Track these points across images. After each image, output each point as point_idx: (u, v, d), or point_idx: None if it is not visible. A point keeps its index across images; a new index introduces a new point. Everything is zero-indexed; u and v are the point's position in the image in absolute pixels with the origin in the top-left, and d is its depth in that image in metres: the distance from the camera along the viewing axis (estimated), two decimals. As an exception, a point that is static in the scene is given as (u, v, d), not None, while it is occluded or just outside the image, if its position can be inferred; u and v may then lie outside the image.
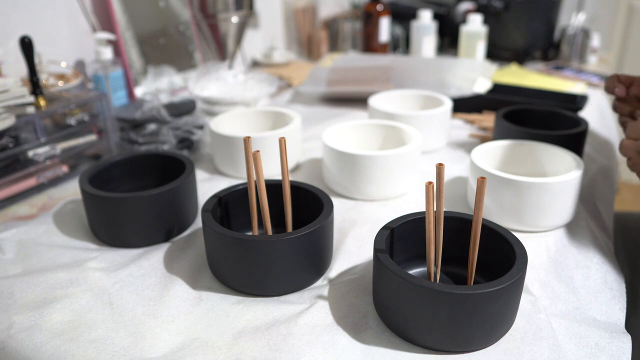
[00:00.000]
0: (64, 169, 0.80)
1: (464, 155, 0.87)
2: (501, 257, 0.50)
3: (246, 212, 0.60)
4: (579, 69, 1.44)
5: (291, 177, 0.77)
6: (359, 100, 1.14)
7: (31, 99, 0.73)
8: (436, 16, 1.55)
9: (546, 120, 0.84)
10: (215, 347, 0.46)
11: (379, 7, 1.44)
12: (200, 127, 0.89)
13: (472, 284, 0.50)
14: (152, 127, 0.84)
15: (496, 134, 0.82)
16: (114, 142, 0.85)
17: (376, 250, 0.48)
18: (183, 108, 0.88)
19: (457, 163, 0.84)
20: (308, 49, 1.66)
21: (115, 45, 1.04)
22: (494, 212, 0.64)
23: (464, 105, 1.05)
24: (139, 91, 1.08)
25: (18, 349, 0.47)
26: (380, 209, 0.70)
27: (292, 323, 0.49)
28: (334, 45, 1.67)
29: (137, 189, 0.69)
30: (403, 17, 1.58)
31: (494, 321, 0.45)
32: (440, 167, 0.45)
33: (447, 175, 0.79)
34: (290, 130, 0.78)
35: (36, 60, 0.82)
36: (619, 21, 2.21)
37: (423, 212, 0.52)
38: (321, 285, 0.55)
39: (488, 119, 1.01)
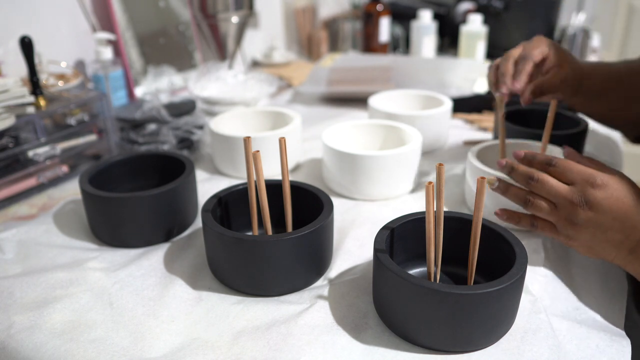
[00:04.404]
0: (64, 169, 0.79)
1: (464, 155, 0.87)
2: (501, 257, 0.50)
3: (246, 212, 0.60)
4: (579, 69, 1.43)
5: (291, 177, 0.77)
6: (359, 100, 1.14)
7: (31, 99, 0.73)
8: (436, 16, 1.55)
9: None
10: (215, 347, 0.46)
11: (379, 7, 1.44)
12: (200, 127, 0.89)
13: (472, 284, 0.50)
14: (152, 127, 0.84)
15: (496, 133, 0.82)
16: (114, 142, 0.85)
17: (376, 250, 0.48)
18: (183, 108, 0.88)
19: (457, 163, 0.84)
20: (308, 49, 1.66)
21: (115, 45, 1.04)
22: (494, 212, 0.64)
23: (464, 105, 1.05)
24: (139, 91, 1.08)
25: (18, 349, 0.47)
26: (380, 209, 0.70)
27: (292, 323, 0.49)
28: (334, 45, 1.67)
29: (137, 189, 0.69)
30: (403, 17, 1.58)
31: (494, 321, 0.45)
32: (440, 167, 0.45)
33: (447, 175, 0.78)
34: (290, 130, 0.78)
35: (36, 60, 0.82)
36: (619, 21, 2.21)
37: (423, 212, 0.52)
38: (321, 285, 0.55)
39: (488, 119, 1.01)
